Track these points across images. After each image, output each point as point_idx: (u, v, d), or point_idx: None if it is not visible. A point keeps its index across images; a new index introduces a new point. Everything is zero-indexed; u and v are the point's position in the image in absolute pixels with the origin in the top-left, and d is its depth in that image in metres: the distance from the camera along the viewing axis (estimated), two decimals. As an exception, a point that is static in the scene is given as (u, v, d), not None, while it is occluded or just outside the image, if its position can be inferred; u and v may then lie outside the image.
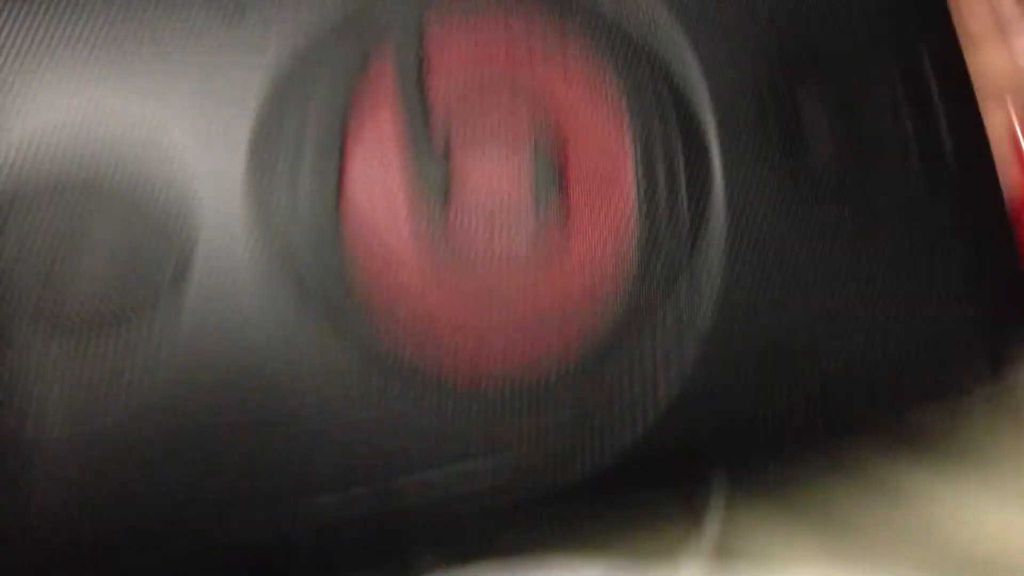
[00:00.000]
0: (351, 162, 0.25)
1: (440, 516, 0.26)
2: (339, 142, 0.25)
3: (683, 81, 0.26)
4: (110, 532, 0.23)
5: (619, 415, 0.25)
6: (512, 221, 0.25)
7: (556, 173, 0.26)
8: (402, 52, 0.26)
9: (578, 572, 0.28)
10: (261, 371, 0.24)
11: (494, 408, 0.25)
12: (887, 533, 0.30)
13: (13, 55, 0.24)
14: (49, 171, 0.24)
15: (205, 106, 0.25)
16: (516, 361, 0.25)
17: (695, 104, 0.26)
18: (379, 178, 0.26)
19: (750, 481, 0.31)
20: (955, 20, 0.29)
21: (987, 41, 0.30)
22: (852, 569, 0.29)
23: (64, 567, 0.23)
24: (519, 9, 0.26)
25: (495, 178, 0.25)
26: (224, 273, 0.24)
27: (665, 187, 0.26)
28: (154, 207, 0.24)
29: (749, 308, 0.26)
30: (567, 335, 0.25)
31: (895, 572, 0.28)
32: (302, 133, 0.25)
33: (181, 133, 0.24)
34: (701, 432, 0.26)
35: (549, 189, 0.26)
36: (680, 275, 0.26)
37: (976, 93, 0.28)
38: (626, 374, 0.25)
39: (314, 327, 0.25)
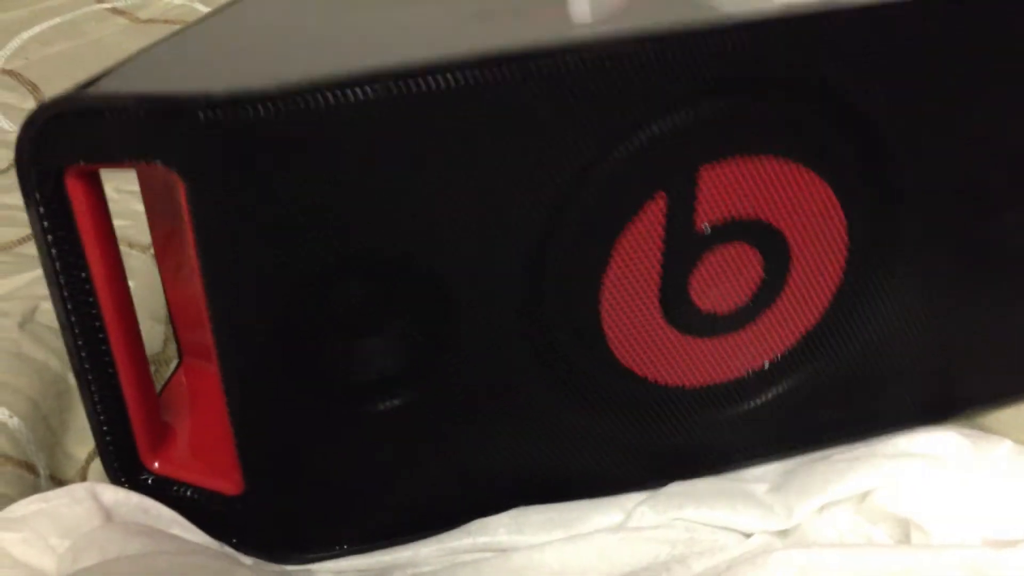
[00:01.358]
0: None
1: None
2: (606, 258, 0.32)
3: (889, 193, 0.34)
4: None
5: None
6: (731, 302, 0.34)
7: (778, 282, 0.34)
8: (675, 200, 0.31)
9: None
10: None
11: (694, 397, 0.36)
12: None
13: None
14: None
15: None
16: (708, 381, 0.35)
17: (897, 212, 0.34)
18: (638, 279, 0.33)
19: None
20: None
21: None
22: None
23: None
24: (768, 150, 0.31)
25: (727, 272, 0.34)
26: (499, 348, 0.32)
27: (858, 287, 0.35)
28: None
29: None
30: (754, 364, 0.36)
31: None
32: (575, 250, 0.31)
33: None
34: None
35: (767, 293, 0.34)
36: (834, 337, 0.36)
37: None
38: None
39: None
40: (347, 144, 0.27)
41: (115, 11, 0.76)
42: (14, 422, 0.39)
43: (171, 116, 0.27)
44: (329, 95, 0.26)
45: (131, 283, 0.49)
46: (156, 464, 0.35)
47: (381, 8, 0.38)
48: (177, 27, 0.74)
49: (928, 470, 0.34)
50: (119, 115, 0.27)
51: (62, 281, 0.31)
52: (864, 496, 0.35)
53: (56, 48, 0.72)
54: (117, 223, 0.51)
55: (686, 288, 0.33)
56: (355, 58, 0.30)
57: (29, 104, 0.66)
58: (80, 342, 0.31)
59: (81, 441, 0.41)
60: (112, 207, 0.42)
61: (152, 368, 0.44)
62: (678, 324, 0.34)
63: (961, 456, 0.35)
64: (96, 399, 0.33)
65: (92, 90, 0.29)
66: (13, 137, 0.55)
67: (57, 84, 0.68)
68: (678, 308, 0.34)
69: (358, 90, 0.27)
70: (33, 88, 0.68)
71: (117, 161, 0.28)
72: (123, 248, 0.52)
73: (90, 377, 0.32)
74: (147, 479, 0.34)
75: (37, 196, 0.29)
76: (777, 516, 0.34)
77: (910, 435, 0.36)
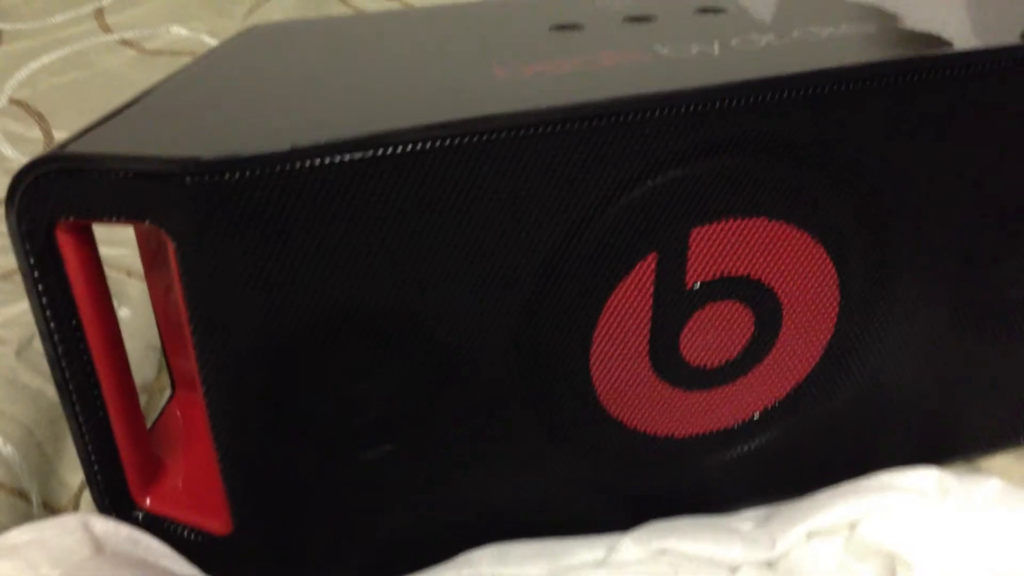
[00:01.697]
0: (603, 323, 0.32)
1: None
2: (596, 314, 0.32)
3: (885, 253, 0.34)
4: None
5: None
6: (720, 357, 0.34)
7: (767, 341, 0.35)
8: (666, 260, 0.32)
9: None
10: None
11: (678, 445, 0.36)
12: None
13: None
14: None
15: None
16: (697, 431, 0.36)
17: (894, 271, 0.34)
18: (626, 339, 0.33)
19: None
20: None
21: None
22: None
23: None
24: (762, 212, 0.32)
25: (718, 329, 0.34)
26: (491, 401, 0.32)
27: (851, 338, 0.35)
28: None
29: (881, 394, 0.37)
30: (744, 415, 0.36)
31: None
32: (565, 307, 0.31)
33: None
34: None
35: (757, 348, 0.35)
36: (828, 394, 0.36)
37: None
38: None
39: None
40: (334, 205, 0.28)
41: (124, 42, 0.77)
42: (8, 449, 0.40)
43: (157, 179, 0.27)
44: (316, 160, 0.27)
45: (127, 311, 0.50)
46: (147, 502, 0.35)
47: (367, 51, 0.38)
48: (184, 59, 0.76)
49: (915, 502, 0.34)
50: (106, 176, 0.27)
51: (52, 327, 0.31)
52: (850, 531, 0.35)
53: (64, 78, 0.73)
54: (114, 251, 0.52)
55: (676, 343, 0.33)
56: (341, 112, 0.30)
57: (35, 134, 0.67)
58: (71, 387, 0.32)
59: (75, 468, 0.41)
60: (108, 235, 0.43)
61: (146, 397, 0.45)
62: (668, 377, 0.34)
63: (948, 492, 0.35)
64: (87, 441, 0.33)
65: (81, 146, 0.29)
66: (16, 166, 0.56)
67: (64, 115, 0.69)
68: (668, 362, 0.34)
69: (343, 156, 0.27)
70: (40, 118, 0.69)
71: (106, 218, 0.29)
72: (120, 276, 0.52)
73: (80, 421, 0.32)
74: (137, 516, 0.34)
75: (27, 247, 0.29)
76: (761, 546, 0.34)
77: (894, 471, 0.36)
